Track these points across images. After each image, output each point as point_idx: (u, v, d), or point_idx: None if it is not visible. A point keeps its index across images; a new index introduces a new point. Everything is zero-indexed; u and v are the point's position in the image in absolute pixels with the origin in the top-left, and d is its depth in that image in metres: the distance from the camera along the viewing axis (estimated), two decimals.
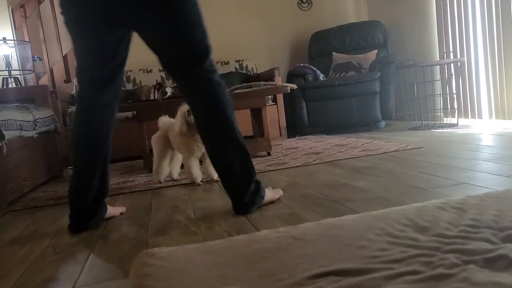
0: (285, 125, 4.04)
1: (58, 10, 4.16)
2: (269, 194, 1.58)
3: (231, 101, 1.47)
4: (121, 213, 1.80)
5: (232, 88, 3.08)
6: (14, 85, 3.62)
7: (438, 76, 3.96)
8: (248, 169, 1.47)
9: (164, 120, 2.33)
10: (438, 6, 3.89)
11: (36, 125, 2.48)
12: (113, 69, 1.50)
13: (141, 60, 4.55)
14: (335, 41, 4.59)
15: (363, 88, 3.91)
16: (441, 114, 3.99)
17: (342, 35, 4.58)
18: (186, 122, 2.00)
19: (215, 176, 2.09)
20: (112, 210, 1.75)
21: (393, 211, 1.01)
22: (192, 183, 2.18)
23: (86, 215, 1.53)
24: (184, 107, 2.01)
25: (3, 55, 3.59)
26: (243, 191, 1.47)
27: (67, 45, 4.32)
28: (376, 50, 4.33)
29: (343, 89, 3.96)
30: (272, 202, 1.60)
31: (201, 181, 2.14)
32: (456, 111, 3.72)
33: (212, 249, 0.88)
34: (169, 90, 3.83)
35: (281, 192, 1.68)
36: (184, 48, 1.42)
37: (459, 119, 3.71)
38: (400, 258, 0.75)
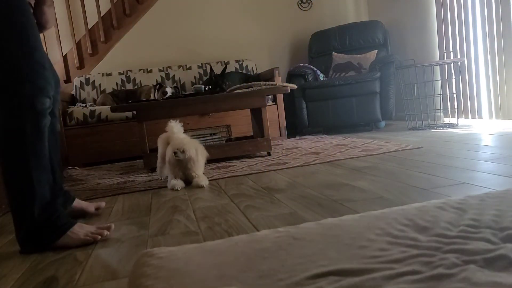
0: (285, 125, 4.04)
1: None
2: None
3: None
4: (97, 209, 1.78)
5: (232, 88, 3.08)
6: None
7: (438, 76, 3.96)
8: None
9: (172, 129, 2.33)
10: (438, 6, 3.89)
11: None
12: None
13: (141, 60, 4.56)
14: (335, 41, 4.59)
15: (363, 88, 3.91)
16: (441, 114, 3.99)
17: (342, 35, 4.58)
18: (174, 155, 2.13)
19: (202, 183, 2.13)
20: (82, 205, 1.73)
21: (393, 211, 1.01)
22: (191, 184, 2.19)
23: None
24: (174, 146, 2.13)
25: None
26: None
27: (67, 45, 4.32)
28: (376, 50, 4.33)
29: (343, 89, 3.96)
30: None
31: (179, 188, 2.14)
32: (456, 111, 3.72)
33: (212, 249, 0.88)
34: (169, 90, 3.83)
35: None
36: None
37: (459, 119, 3.71)
38: (400, 258, 0.75)
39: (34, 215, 1.33)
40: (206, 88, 3.14)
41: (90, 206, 1.76)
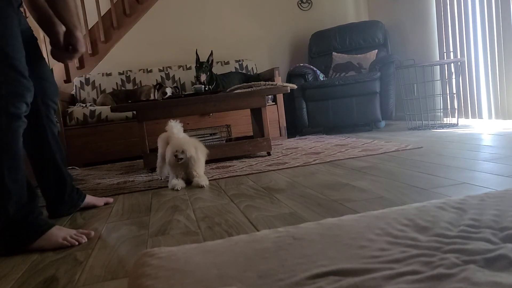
0: (285, 125, 4.04)
1: None
2: None
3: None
4: (106, 204, 1.95)
5: (232, 88, 3.08)
6: None
7: (438, 76, 3.96)
8: None
9: (172, 129, 2.32)
10: (438, 6, 3.89)
11: None
12: None
13: (141, 60, 4.55)
14: (335, 41, 4.59)
15: (363, 88, 3.91)
16: (441, 114, 3.98)
17: (342, 35, 4.58)
18: (175, 158, 2.13)
19: (202, 183, 2.13)
20: (93, 200, 1.91)
21: (393, 211, 1.01)
22: (191, 183, 2.19)
23: (53, 204, 1.72)
24: (174, 148, 2.14)
25: None
26: None
27: None
28: (376, 50, 4.33)
29: (343, 89, 3.96)
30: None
31: (179, 188, 2.14)
32: (456, 111, 3.72)
33: (212, 249, 0.88)
34: (169, 90, 3.83)
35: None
36: None
37: (459, 119, 3.71)
38: (400, 258, 0.75)
39: (9, 213, 1.33)
40: (206, 88, 3.14)
41: (100, 201, 1.93)
